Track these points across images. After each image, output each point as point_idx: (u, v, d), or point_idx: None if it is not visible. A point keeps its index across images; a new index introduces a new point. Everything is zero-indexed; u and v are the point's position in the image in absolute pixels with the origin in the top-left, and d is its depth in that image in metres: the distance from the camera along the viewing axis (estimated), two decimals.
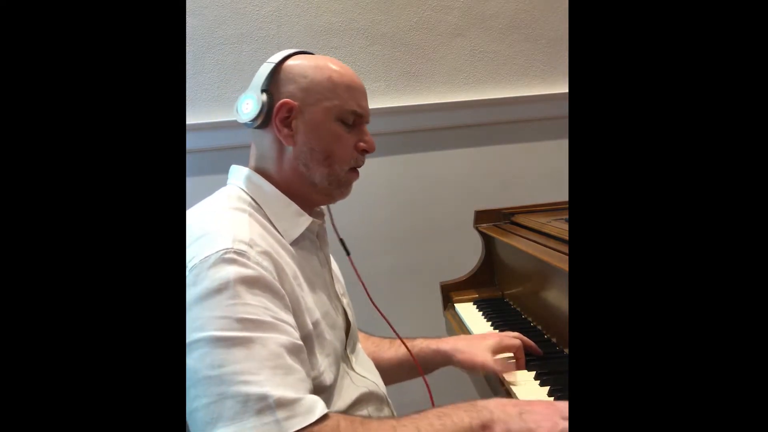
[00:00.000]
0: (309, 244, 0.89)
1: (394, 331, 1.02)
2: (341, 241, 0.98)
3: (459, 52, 1.92)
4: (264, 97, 0.83)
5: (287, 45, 1.80)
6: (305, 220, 0.86)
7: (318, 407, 0.66)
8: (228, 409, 0.62)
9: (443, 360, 1.04)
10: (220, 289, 0.68)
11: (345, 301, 0.97)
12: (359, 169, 0.91)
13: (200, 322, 0.66)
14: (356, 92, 0.86)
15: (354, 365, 0.92)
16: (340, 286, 0.98)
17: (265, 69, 0.85)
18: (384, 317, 0.99)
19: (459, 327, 1.36)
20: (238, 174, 0.87)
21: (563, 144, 1.93)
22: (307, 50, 0.91)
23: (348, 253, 0.98)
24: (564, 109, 1.83)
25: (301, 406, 0.65)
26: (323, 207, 0.95)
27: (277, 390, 0.64)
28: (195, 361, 0.65)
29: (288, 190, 0.86)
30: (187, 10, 1.71)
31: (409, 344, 1.07)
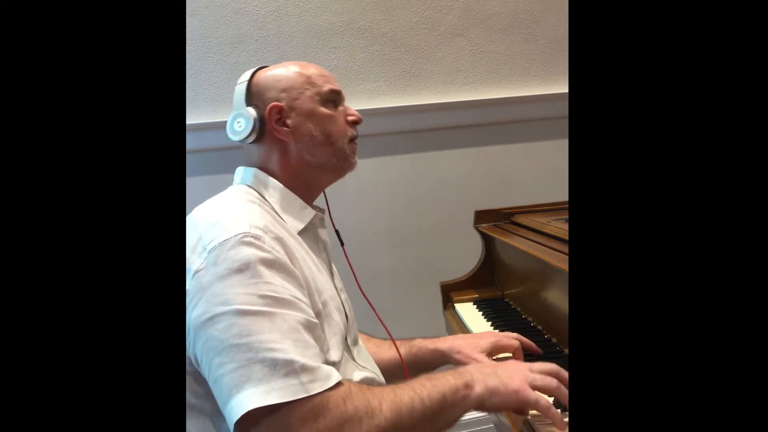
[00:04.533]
0: (312, 235, 0.95)
1: (384, 326, 1.03)
2: (336, 232, 1.04)
3: (459, 52, 1.93)
4: (252, 110, 0.90)
5: (287, 45, 1.80)
6: (309, 213, 0.93)
7: (334, 374, 0.72)
8: (257, 372, 0.67)
9: (441, 359, 1.05)
10: (241, 269, 0.72)
11: (343, 296, 0.99)
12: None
13: (224, 298, 0.71)
14: (326, 76, 0.95)
15: (356, 356, 0.94)
16: (339, 281, 1.01)
17: (240, 89, 0.93)
18: (374, 310, 1.01)
19: (459, 327, 1.36)
20: (244, 174, 0.93)
21: (563, 144, 1.94)
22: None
23: (342, 243, 1.04)
24: (564, 109, 1.83)
25: (321, 372, 0.70)
26: (324, 200, 1.01)
27: (300, 357, 0.69)
28: (220, 332, 0.70)
29: (294, 183, 0.92)
30: (187, 11, 1.71)
31: (407, 344, 1.08)
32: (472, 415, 2.01)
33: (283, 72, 0.93)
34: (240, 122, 0.89)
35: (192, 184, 1.56)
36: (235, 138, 0.90)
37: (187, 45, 1.73)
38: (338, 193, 1.83)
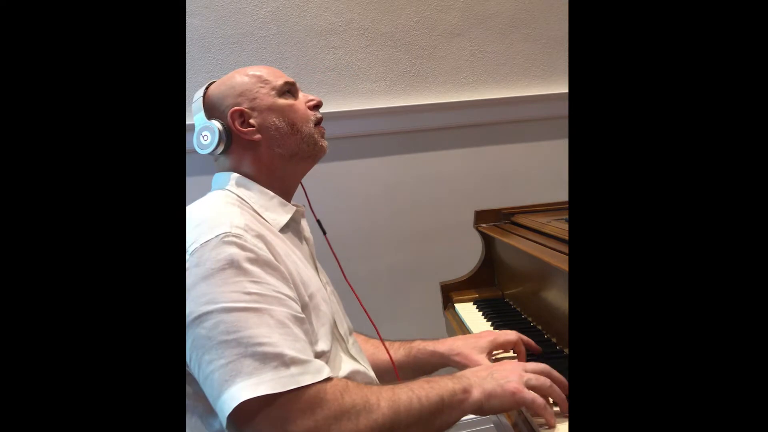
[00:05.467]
0: (295, 232, 0.96)
1: (375, 327, 1.03)
2: (318, 222, 1.06)
3: (459, 52, 1.93)
4: (215, 122, 0.91)
5: (287, 45, 1.80)
6: (289, 209, 0.94)
7: (325, 370, 0.73)
8: (246, 366, 0.68)
9: (440, 361, 1.05)
10: (224, 268, 0.73)
11: (329, 288, 1.00)
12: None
13: (209, 297, 0.71)
14: (276, 72, 0.97)
15: (349, 347, 0.95)
16: (324, 275, 1.03)
17: (197, 107, 0.94)
18: (357, 297, 1.01)
19: (459, 327, 1.36)
20: (221, 179, 0.95)
21: (563, 144, 1.93)
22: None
23: (324, 233, 1.05)
24: (564, 109, 1.83)
25: (311, 366, 0.71)
26: (303, 194, 1.03)
27: (290, 351, 0.70)
28: (208, 330, 0.70)
29: (270, 181, 0.93)
30: (187, 11, 1.71)
31: (406, 345, 1.08)
32: (472, 415, 2.00)
33: (234, 79, 0.95)
34: (206, 135, 0.91)
35: (192, 184, 1.56)
36: (205, 151, 0.92)
37: (187, 45, 1.73)
38: (338, 192, 1.84)
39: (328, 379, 0.72)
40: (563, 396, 0.79)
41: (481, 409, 0.77)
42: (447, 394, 0.75)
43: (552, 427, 0.76)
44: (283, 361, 0.69)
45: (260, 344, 0.69)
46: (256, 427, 0.68)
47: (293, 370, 0.69)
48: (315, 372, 0.71)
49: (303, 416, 0.67)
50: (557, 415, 0.79)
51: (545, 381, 0.79)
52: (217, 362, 0.69)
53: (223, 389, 0.68)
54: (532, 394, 0.77)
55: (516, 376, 0.79)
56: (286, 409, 0.68)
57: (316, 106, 0.98)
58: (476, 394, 0.77)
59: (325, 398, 0.69)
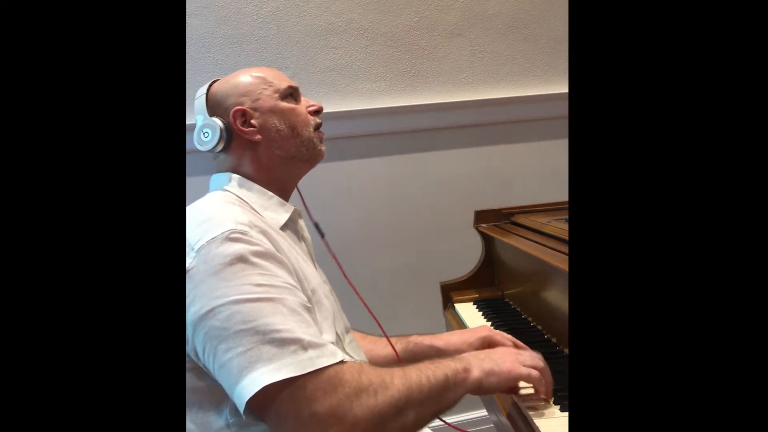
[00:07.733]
0: (293, 231, 0.98)
1: (377, 321, 1.03)
2: (316, 225, 1.07)
3: (459, 52, 1.93)
4: (217, 120, 0.93)
5: (287, 45, 1.80)
6: (288, 208, 0.96)
7: (339, 353, 0.75)
8: (266, 353, 0.70)
9: (437, 356, 1.05)
10: (232, 263, 0.74)
11: (327, 287, 1.01)
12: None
13: (220, 291, 0.73)
14: (280, 75, 0.99)
15: (346, 345, 0.96)
16: (322, 274, 1.04)
17: (199, 103, 0.96)
18: (359, 295, 1.02)
19: (459, 327, 1.36)
20: (219, 180, 0.96)
21: (563, 144, 1.94)
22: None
23: (322, 235, 1.06)
24: (564, 109, 1.83)
25: (327, 349, 0.73)
26: (299, 197, 1.03)
27: (306, 336, 0.72)
28: (222, 322, 0.72)
29: (268, 182, 0.95)
30: (187, 11, 1.71)
31: (403, 340, 1.10)
32: (472, 415, 2.00)
33: (238, 79, 0.96)
34: (207, 133, 0.92)
35: (192, 184, 1.56)
36: (204, 148, 0.93)
37: (187, 45, 1.73)
38: (338, 192, 1.84)
39: (343, 361, 0.73)
40: (542, 392, 0.86)
41: (481, 386, 0.81)
42: (451, 373, 0.79)
43: (547, 400, 0.86)
44: (301, 345, 0.71)
45: (277, 331, 0.71)
46: (279, 410, 0.69)
47: (311, 353, 0.71)
48: (330, 354, 0.72)
49: (325, 395, 0.69)
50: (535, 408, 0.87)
51: (536, 374, 0.85)
52: (234, 350, 0.70)
53: (243, 375, 0.69)
54: (527, 369, 0.84)
55: (512, 357, 0.86)
56: (308, 389, 0.69)
57: (317, 112, 0.99)
58: (476, 372, 0.81)
59: (344, 377, 0.71)
